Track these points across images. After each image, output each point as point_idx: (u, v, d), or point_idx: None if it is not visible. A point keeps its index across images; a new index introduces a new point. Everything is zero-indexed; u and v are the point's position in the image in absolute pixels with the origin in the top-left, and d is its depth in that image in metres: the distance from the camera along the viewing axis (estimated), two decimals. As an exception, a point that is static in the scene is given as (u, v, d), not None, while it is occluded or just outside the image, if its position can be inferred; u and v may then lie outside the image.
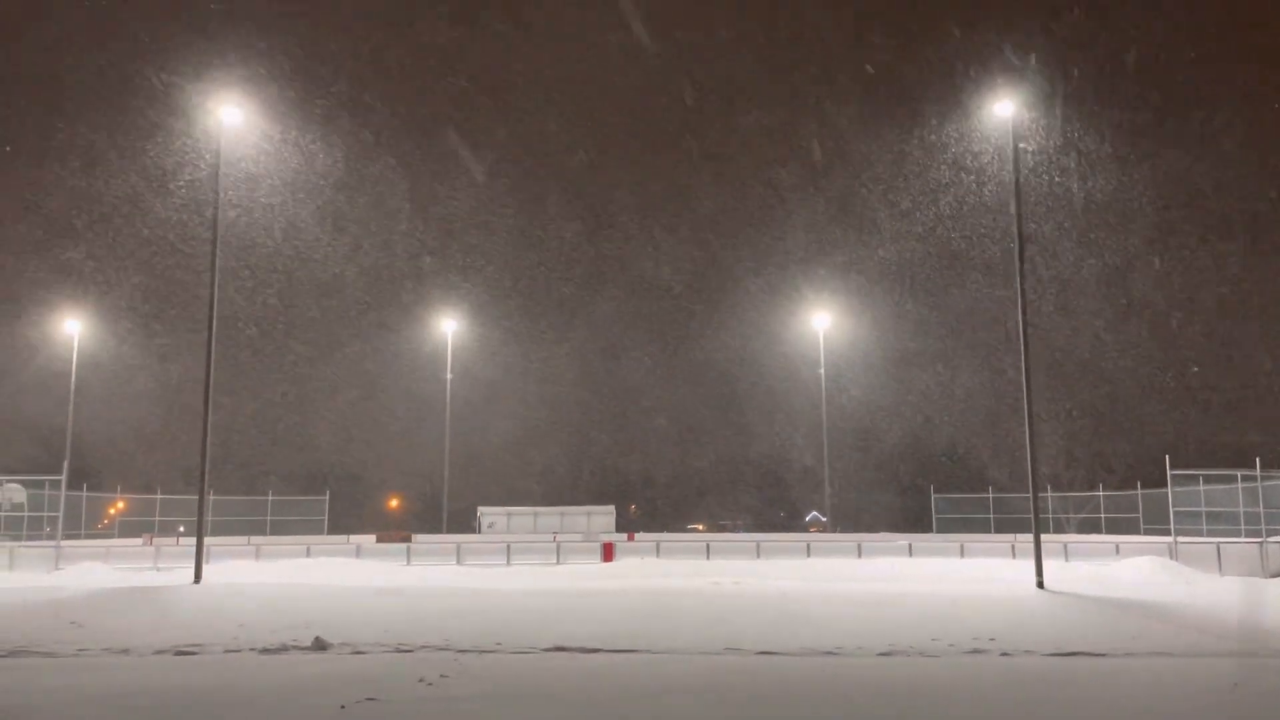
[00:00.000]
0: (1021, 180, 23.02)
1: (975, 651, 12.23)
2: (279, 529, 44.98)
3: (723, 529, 55.80)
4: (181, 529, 42.91)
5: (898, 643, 12.71)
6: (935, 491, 47.90)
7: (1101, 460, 48.45)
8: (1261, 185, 51.39)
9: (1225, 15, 62.05)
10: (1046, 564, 21.56)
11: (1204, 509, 32.77)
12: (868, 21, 66.61)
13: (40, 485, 32.95)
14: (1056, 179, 48.71)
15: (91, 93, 64.34)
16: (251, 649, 12.36)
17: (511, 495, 54.95)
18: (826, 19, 70.28)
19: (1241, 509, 31.51)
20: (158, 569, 27.01)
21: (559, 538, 36.41)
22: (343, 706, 8.40)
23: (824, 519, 52.40)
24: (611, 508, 51.01)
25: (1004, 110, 23.51)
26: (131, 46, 66.46)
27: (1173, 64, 60.08)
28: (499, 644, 12.57)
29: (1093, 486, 45.35)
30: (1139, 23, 56.89)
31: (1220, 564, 24.32)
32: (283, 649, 12.35)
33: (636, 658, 11.73)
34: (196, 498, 23.42)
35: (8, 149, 55.28)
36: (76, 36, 62.39)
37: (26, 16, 61.23)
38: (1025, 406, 22.30)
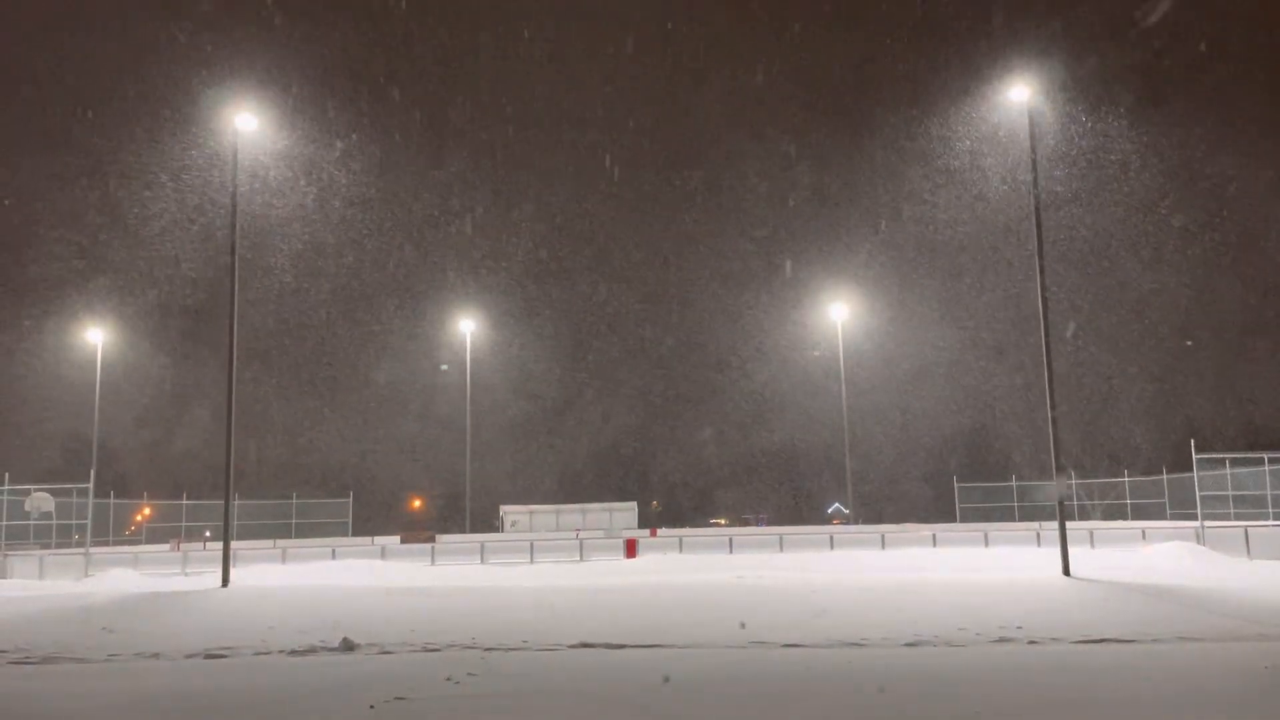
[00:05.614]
0: (1044, 165, 22.82)
1: (1002, 640, 12.17)
2: (304, 532, 45.22)
3: (745, 523, 55.70)
4: (208, 534, 43.29)
5: (924, 633, 12.68)
6: (958, 481, 47.69)
7: (1126, 446, 48.11)
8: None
9: None
10: (1072, 551, 21.40)
11: (1231, 493, 32.44)
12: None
13: (68, 493, 33.22)
14: (1079, 158, 48.30)
15: (104, 100, 64.93)
16: (280, 651, 12.46)
17: (533, 494, 55.16)
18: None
19: (1269, 492, 31.22)
20: (185, 574, 27.19)
21: (581, 535, 36.47)
22: (372, 706, 8.46)
23: (847, 511, 52.22)
24: (633, 504, 51.05)
25: (1019, 95, 23.34)
26: (143, 51, 66.87)
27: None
28: (525, 641, 12.62)
29: (1117, 473, 45.01)
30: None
31: (1248, 548, 24.09)
32: (311, 650, 12.44)
33: (662, 653, 11.73)
34: (222, 503, 23.54)
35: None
36: (88, 40, 62.87)
37: (29, 15, 61.76)
38: (1047, 393, 22.13)
